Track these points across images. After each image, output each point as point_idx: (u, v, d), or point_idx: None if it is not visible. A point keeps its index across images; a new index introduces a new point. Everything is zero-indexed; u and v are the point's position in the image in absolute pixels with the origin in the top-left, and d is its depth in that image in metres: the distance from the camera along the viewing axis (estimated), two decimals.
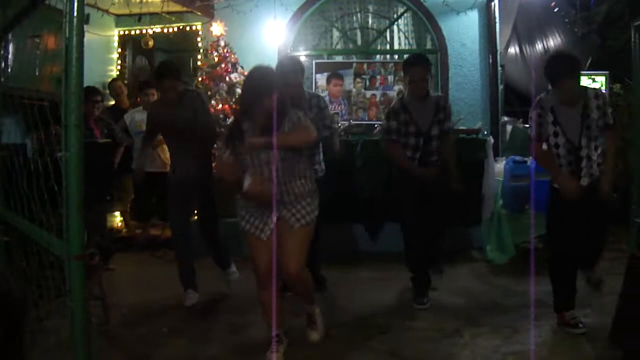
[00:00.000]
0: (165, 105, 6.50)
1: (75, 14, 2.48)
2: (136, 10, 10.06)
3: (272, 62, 8.54)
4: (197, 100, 6.62)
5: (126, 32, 11.00)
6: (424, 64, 6.38)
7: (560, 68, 5.28)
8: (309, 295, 5.32)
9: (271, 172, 4.75)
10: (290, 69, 6.05)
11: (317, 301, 5.42)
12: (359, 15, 10.98)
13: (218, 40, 9.58)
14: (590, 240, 5.56)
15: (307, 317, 5.36)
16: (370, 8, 10.97)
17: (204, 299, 6.63)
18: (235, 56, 9.63)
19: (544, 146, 5.59)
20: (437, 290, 6.65)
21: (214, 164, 6.80)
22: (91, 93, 7.54)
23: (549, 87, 5.31)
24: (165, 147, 8.57)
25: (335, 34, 11.03)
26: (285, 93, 5.04)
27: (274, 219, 4.84)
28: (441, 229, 6.70)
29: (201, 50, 10.42)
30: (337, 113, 9.29)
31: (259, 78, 4.83)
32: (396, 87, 9.62)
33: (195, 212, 7.14)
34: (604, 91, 8.02)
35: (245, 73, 9.11)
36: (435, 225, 6.51)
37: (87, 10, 8.62)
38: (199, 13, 10.18)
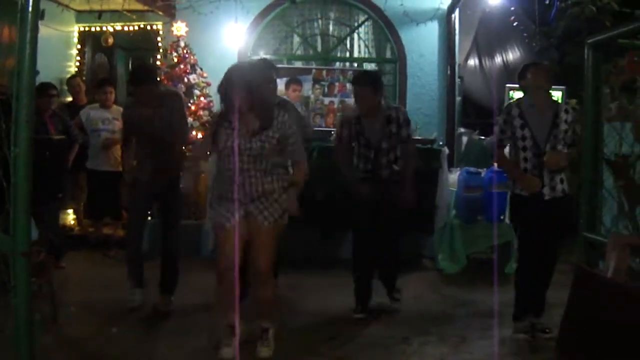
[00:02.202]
0: (141, 105, 6.39)
1: (30, 8, 2.46)
2: (97, 7, 9.99)
3: (231, 64, 8.59)
4: (176, 99, 6.61)
5: (86, 29, 10.89)
6: (369, 83, 6.22)
7: (535, 73, 5.46)
8: (269, 308, 5.23)
9: (244, 164, 4.82)
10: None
11: (274, 321, 5.33)
12: (320, 21, 11.01)
13: (178, 41, 9.55)
14: (544, 255, 5.60)
15: (261, 332, 5.19)
16: (332, 15, 11.02)
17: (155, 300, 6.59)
18: (195, 57, 9.61)
19: (506, 151, 5.76)
20: (397, 303, 6.58)
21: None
22: (47, 87, 7.33)
23: (508, 99, 5.45)
24: (118, 146, 8.52)
25: (296, 39, 11.06)
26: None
27: (241, 211, 4.89)
28: (392, 241, 6.53)
29: (161, 50, 10.36)
30: None
31: (241, 74, 4.89)
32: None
33: (157, 215, 7.02)
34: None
35: (204, 75, 9.18)
36: (385, 235, 6.39)
37: (47, 4, 8.61)
38: (160, 12, 10.13)
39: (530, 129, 5.49)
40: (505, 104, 9.96)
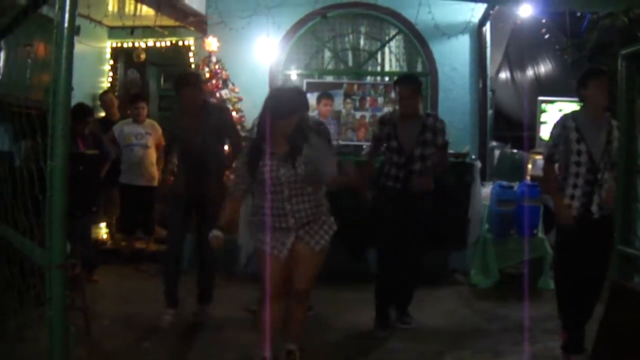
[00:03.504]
0: (185, 116, 6.52)
1: (66, 24, 2.49)
2: (129, 23, 10.08)
3: (263, 80, 8.60)
4: (224, 113, 6.75)
5: (119, 45, 11.01)
6: (414, 82, 6.36)
7: (597, 87, 5.32)
8: (299, 330, 5.17)
9: (290, 191, 4.77)
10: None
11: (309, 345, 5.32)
12: (350, 36, 11.01)
13: (210, 56, 9.60)
14: (593, 274, 5.42)
15: (288, 354, 5.10)
16: (362, 29, 11.01)
17: (188, 314, 6.63)
18: (227, 72, 9.66)
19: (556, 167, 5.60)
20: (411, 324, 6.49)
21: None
22: (83, 113, 7.48)
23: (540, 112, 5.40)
24: (153, 160, 8.62)
25: (327, 54, 11.07)
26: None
27: (291, 238, 4.83)
28: (415, 259, 6.47)
29: (193, 66, 10.42)
30: None
31: (282, 99, 4.90)
32: (386, 109, 9.63)
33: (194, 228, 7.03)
34: None
35: (236, 90, 9.21)
36: (409, 252, 6.35)
37: (80, 21, 8.70)
38: (191, 28, 10.21)
39: (587, 144, 5.31)
40: (538, 117, 9.95)
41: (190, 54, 10.65)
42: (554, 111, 9.90)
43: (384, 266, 6.47)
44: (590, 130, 5.35)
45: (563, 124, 5.44)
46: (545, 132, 10.01)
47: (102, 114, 9.98)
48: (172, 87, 7.59)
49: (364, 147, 9.13)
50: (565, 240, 5.53)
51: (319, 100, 9.24)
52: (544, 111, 10.10)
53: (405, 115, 6.29)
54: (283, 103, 4.81)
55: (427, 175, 6.24)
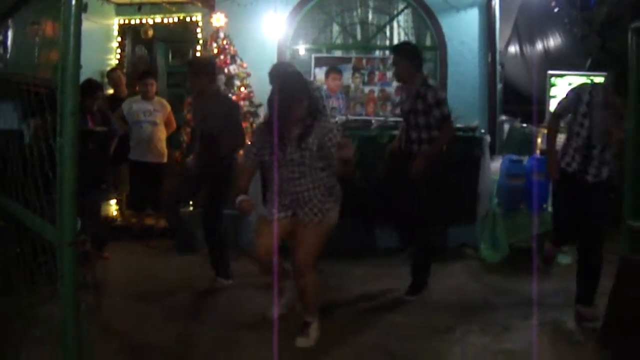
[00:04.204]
0: (201, 99, 6.92)
1: (73, 2, 2.49)
2: (136, 0, 10.06)
3: (272, 55, 8.58)
4: (233, 108, 6.98)
5: (126, 21, 10.96)
6: (398, 51, 6.65)
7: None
8: (311, 300, 5.31)
9: (294, 172, 5.06)
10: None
11: (320, 319, 5.38)
12: (359, 10, 10.96)
13: (218, 32, 9.57)
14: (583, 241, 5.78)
15: (303, 324, 5.29)
16: (371, 3, 10.95)
17: (200, 286, 6.72)
18: (235, 48, 9.63)
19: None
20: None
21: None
22: (92, 89, 7.45)
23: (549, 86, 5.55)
24: (162, 137, 8.67)
25: (335, 28, 11.02)
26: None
27: (289, 212, 5.17)
28: (417, 228, 6.63)
29: (200, 42, 10.40)
30: (335, 108, 9.29)
31: (289, 83, 5.11)
32: (394, 84, 9.59)
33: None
34: None
35: (244, 65, 9.21)
36: (410, 213, 6.54)
37: None
38: (199, 4, 10.16)
39: (592, 121, 5.58)
40: (548, 90, 9.90)
41: (198, 30, 10.60)
42: (564, 85, 9.85)
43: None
44: (598, 111, 5.56)
45: (579, 94, 5.71)
46: (554, 106, 9.98)
47: (111, 92, 10.00)
48: (184, 64, 7.77)
49: (373, 121, 9.12)
50: (558, 193, 6.10)
51: (327, 74, 9.23)
52: (554, 85, 10.04)
53: (398, 80, 6.91)
54: (291, 91, 5.03)
55: (420, 155, 6.33)
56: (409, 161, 6.34)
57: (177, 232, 7.74)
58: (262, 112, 8.91)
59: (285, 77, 5.29)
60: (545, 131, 6.56)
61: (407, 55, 6.49)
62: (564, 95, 5.94)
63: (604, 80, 5.76)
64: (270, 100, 5.09)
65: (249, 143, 5.40)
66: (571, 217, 5.88)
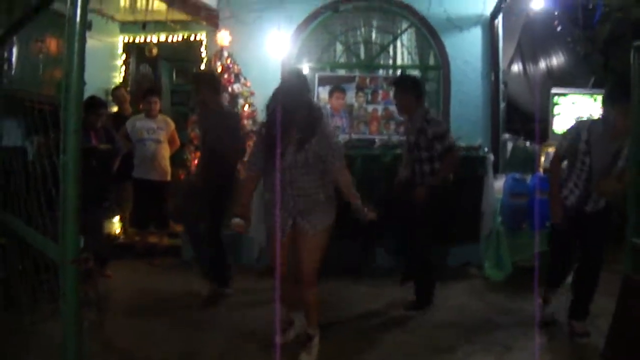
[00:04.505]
0: (204, 113, 7.03)
1: (77, 19, 2.49)
2: (141, 18, 10.11)
3: (275, 74, 8.63)
4: (232, 119, 7.11)
5: (130, 40, 11.02)
6: (398, 85, 6.77)
7: (621, 115, 5.45)
8: (314, 312, 5.36)
9: (292, 176, 5.07)
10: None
11: (321, 336, 5.37)
12: (362, 29, 10.97)
13: (222, 51, 9.59)
14: (584, 264, 5.88)
15: (305, 338, 5.34)
16: (374, 23, 10.97)
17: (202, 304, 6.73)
18: (238, 67, 9.64)
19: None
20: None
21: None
22: (95, 106, 7.46)
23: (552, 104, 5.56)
24: (166, 155, 8.69)
25: (339, 47, 11.02)
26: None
27: (290, 221, 5.15)
28: (418, 249, 6.72)
29: (205, 60, 10.43)
30: (339, 126, 9.30)
31: (291, 92, 5.16)
32: None
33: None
34: None
35: (248, 84, 9.23)
36: (413, 239, 6.68)
37: (92, 16, 8.73)
38: (203, 23, 10.21)
39: (592, 159, 5.62)
40: (551, 109, 9.91)
41: (202, 49, 10.67)
42: (567, 104, 9.88)
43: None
44: (599, 146, 5.60)
45: (577, 132, 5.73)
46: (557, 125, 9.99)
47: (115, 109, 10.01)
48: (188, 83, 7.85)
49: (377, 140, 9.13)
50: (556, 232, 6.07)
51: (331, 93, 9.26)
52: (557, 104, 10.07)
53: (400, 114, 7.08)
54: (292, 97, 5.10)
55: (421, 185, 6.45)
56: (413, 190, 6.46)
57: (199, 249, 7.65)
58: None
59: (287, 80, 5.35)
60: (548, 159, 6.61)
61: (408, 90, 6.61)
62: (564, 135, 6.01)
63: (601, 114, 5.80)
64: (270, 105, 5.21)
65: (252, 152, 5.45)
66: (568, 260, 6.12)
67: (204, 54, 10.58)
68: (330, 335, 5.59)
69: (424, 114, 6.50)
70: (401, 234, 6.91)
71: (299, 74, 5.50)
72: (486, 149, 9.10)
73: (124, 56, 11.09)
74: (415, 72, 10.68)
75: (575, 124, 5.95)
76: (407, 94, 6.57)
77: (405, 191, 6.57)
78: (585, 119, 6.10)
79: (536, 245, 7.34)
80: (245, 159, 6.90)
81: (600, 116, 5.95)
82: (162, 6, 9.47)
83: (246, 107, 9.39)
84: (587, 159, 5.62)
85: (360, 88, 9.91)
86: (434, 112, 7.11)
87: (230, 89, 9.34)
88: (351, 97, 9.81)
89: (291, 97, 5.08)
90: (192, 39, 10.77)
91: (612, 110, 5.56)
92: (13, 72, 6.64)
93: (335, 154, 5.10)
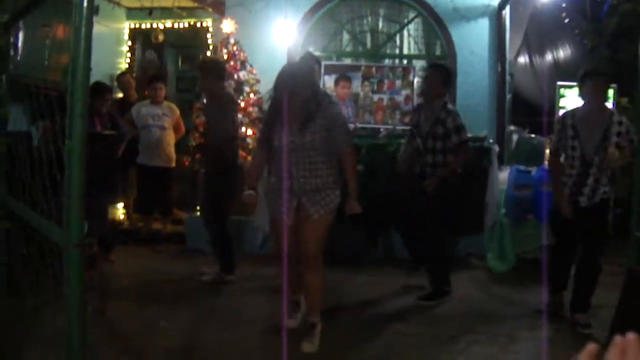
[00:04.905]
0: (209, 101, 7.16)
1: (84, 4, 2.49)
2: (147, 4, 10.09)
3: (281, 62, 8.64)
4: (228, 102, 7.14)
5: (137, 26, 11.03)
6: (437, 71, 6.73)
7: (592, 88, 5.72)
8: (317, 298, 5.38)
9: (298, 157, 5.09)
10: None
11: (323, 326, 5.38)
12: (369, 18, 10.95)
13: (228, 38, 9.57)
14: (582, 258, 5.96)
15: (309, 327, 5.34)
16: (381, 12, 10.94)
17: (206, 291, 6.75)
18: (245, 54, 9.62)
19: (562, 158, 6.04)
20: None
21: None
22: (102, 90, 7.50)
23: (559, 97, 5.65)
24: (171, 142, 8.70)
25: (345, 36, 11.01)
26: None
27: (293, 203, 5.16)
28: (429, 240, 6.71)
29: (211, 47, 10.42)
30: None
31: (297, 74, 5.21)
32: (403, 92, 9.60)
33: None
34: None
35: (254, 71, 9.21)
36: (423, 231, 6.67)
37: (98, 1, 8.71)
38: (210, 10, 10.20)
39: (580, 140, 5.75)
40: (557, 101, 9.90)
41: (208, 36, 10.67)
42: (573, 96, 9.85)
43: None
44: (584, 127, 5.77)
45: (562, 120, 5.99)
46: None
47: (120, 95, 10.01)
48: (194, 69, 7.85)
49: (382, 130, 9.13)
50: (555, 224, 6.19)
51: (336, 82, 9.23)
52: (563, 96, 10.04)
53: (426, 100, 6.83)
54: (298, 78, 5.13)
55: (434, 178, 6.44)
56: (423, 181, 6.49)
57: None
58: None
59: (293, 63, 5.43)
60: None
61: (440, 77, 6.63)
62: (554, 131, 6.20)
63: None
64: (277, 86, 5.22)
65: (261, 130, 5.63)
66: (568, 264, 6.14)
67: (210, 41, 10.57)
68: (330, 325, 5.58)
69: (444, 103, 6.53)
70: (410, 224, 6.90)
71: (310, 58, 5.57)
72: (491, 140, 9.11)
73: (129, 42, 11.09)
74: (422, 62, 10.66)
75: (560, 116, 6.26)
76: (439, 81, 6.57)
77: (413, 182, 6.59)
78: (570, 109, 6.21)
79: (543, 238, 7.35)
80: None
81: (579, 106, 6.03)
82: None
83: (252, 95, 9.37)
84: (576, 142, 5.76)
85: (366, 77, 9.88)
86: (451, 105, 7.00)
87: (236, 76, 9.33)
88: (357, 86, 9.77)
89: (297, 78, 5.11)
90: (198, 25, 10.78)
91: (585, 88, 5.77)
92: (19, 57, 6.66)
93: (342, 132, 5.17)
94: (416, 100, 9.07)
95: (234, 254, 7.13)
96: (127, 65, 10.96)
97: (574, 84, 9.71)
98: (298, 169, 5.08)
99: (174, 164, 9.03)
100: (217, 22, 10.26)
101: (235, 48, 9.53)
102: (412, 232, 6.96)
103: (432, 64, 7.13)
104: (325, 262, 5.31)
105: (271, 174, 5.39)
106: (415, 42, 10.92)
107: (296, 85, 5.03)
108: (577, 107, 6.00)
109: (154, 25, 10.71)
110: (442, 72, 6.67)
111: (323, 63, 9.77)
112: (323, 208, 5.15)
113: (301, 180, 5.10)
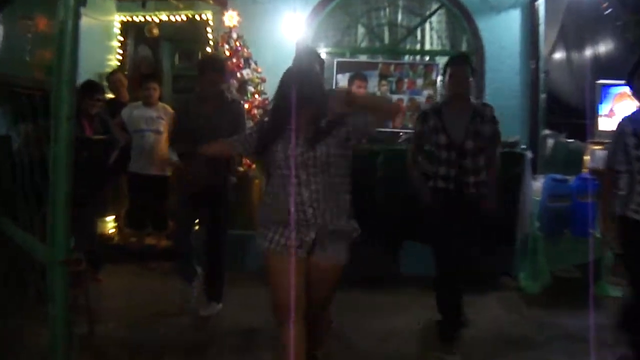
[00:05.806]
0: (202, 102, 6.74)
1: None
2: None
3: (289, 59, 8.69)
4: (239, 109, 6.97)
5: (129, 19, 11.02)
6: (468, 63, 6.18)
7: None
8: (322, 336, 5.07)
9: (309, 175, 4.27)
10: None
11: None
12: (387, 10, 10.95)
13: (230, 32, 9.58)
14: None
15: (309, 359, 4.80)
16: (400, 3, 10.94)
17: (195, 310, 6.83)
18: (249, 50, 9.64)
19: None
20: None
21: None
22: (92, 90, 7.42)
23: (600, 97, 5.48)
24: (166, 148, 8.66)
25: (360, 30, 11.03)
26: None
27: (312, 235, 4.32)
28: (465, 262, 6.13)
29: (211, 43, 10.44)
30: None
31: (309, 81, 4.41)
32: (425, 92, 9.62)
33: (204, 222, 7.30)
34: None
35: (259, 70, 9.23)
36: (461, 253, 6.02)
37: None
38: (210, 1, 10.22)
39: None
40: (598, 103, 9.87)
41: (208, 30, 10.66)
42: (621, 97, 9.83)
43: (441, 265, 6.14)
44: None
45: (622, 126, 5.39)
46: (604, 121, 9.89)
47: (110, 96, 9.97)
48: (193, 67, 7.78)
49: (401, 134, 9.13)
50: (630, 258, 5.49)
51: (351, 81, 9.20)
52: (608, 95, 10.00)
53: (455, 97, 6.04)
54: (310, 87, 4.34)
55: (493, 195, 6.03)
56: (463, 199, 5.95)
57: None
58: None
59: (300, 60, 5.18)
60: (600, 164, 6.46)
61: (471, 67, 6.14)
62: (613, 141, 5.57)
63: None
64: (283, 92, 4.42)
65: (249, 132, 4.92)
66: None
67: (210, 36, 10.58)
68: (347, 354, 5.59)
69: (482, 106, 6.17)
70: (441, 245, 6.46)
71: (311, 53, 5.43)
72: (524, 146, 9.08)
73: (121, 37, 11.10)
74: (445, 59, 10.65)
75: (619, 122, 5.54)
76: (469, 75, 6.03)
77: (445, 201, 6.00)
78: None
79: (579, 254, 7.35)
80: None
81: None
82: None
83: (256, 96, 9.37)
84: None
85: (383, 76, 9.89)
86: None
87: (239, 74, 9.34)
88: (373, 85, 9.77)
89: (303, 79, 4.37)
90: (197, 18, 10.76)
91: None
92: None
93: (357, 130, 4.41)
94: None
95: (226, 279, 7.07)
96: (118, 63, 10.95)
97: (617, 82, 9.72)
98: (311, 189, 4.25)
99: (169, 172, 8.99)
100: (218, 15, 10.28)
101: (238, 43, 9.55)
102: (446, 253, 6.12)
103: (458, 55, 6.96)
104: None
105: (268, 192, 4.55)
106: (439, 37, 10.92)
107: (302, 88, 4.27)
108: (635, 111, 5.45)
109: (148, 18, 10.74)
110: (470, 64, 6.19)
111: (335, 60, 9.81)
112: (343, 250, 4.44)
113: (315, 204, 4.26)
